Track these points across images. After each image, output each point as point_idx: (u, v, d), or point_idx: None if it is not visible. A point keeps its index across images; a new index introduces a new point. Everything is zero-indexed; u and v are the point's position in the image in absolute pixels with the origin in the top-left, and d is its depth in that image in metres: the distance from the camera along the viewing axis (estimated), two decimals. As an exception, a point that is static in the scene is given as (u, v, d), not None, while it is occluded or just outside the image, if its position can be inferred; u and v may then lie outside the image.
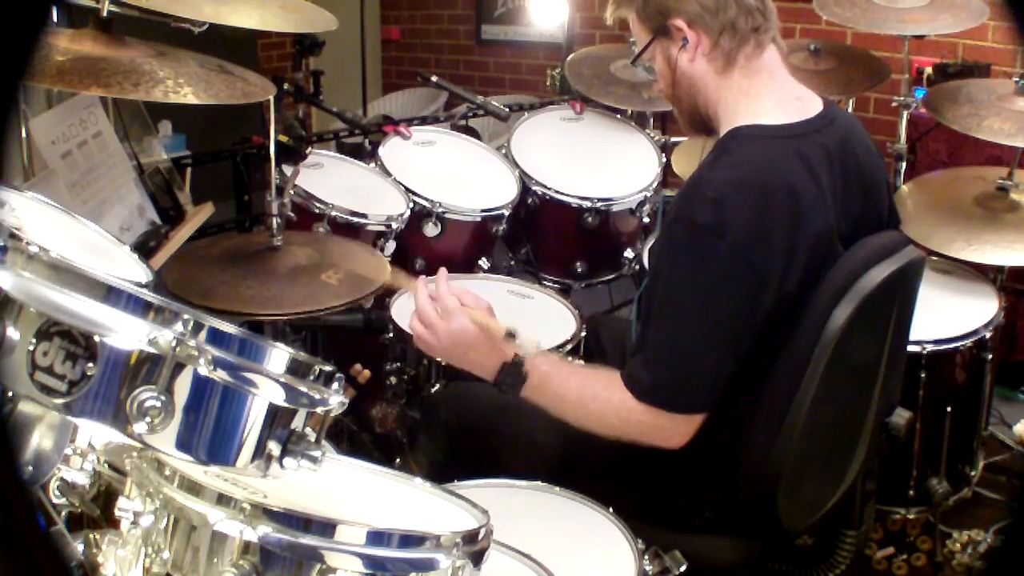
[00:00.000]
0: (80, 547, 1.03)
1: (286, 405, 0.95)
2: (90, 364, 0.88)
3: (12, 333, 0.89)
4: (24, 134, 1.82)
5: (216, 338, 0.94)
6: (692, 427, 1.47)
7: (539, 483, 1.57)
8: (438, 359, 2.05)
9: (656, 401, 1.45)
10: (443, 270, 1.61)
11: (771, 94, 1.54)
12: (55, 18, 1.80)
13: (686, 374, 1.44)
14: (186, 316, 0.93)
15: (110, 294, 0.92)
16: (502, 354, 1.54)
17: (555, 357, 1.61)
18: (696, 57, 1.54)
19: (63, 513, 1.06)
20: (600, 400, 1.50)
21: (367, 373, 2.30)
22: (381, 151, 2.68)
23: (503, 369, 1.54)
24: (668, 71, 1.59)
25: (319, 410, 0.98)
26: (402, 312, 2.20)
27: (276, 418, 0.94)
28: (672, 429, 1.47)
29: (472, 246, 2.66)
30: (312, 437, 0.97)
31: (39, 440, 1.10)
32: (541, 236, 2.82)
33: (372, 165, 2.67)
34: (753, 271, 1.40)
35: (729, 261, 1.40)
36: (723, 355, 1.45)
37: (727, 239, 1.39)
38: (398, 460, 2.21)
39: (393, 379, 2.20)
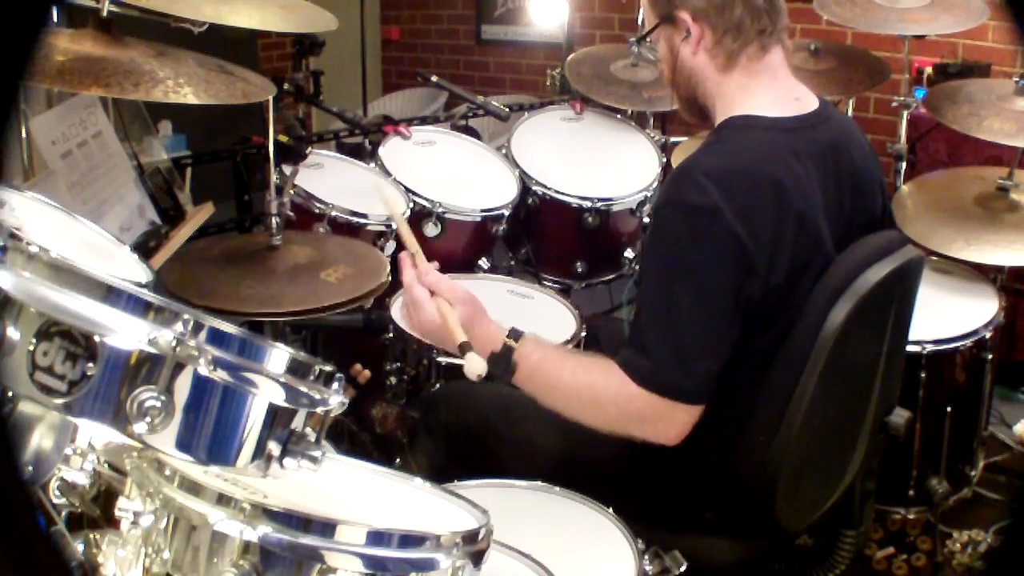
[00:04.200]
0: (80, 547, 1.03)
1: (286, 405, 0.95)
2: (90, 364, 0.88)
3: (12, 333, 0.89)
4: (24, 134, 1.82)
5: (216, 338, 0.94)
6: (691, 419, 1.45)
7: (539, 483, 1.57)
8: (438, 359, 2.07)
9: (658, 387, 1.42)
10: (430, 271, 1.57)
11: (769, 92, 1.54)
12: (55, 18, 1.80)
13: (685, 360, 1.43)
14: (186, 316, 0.93)
15: (110, 294, 0.92)
16: (490, 343, 1.52)
17: (547, 345, 1.58)
18: (698, 51, 1.54)
19: (63, 513, 1.06)
20: (596, 388, 1.47)
21: (367, 373, 2.30)
22: (381, 151, 2.68)
23: (491, 358, 1.51)
24: (670, 58, 1.60)
25: (319, 410, 0.98)
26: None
27: (276, 418, 0.94)
28: (670, 419, 1.45)
29: (472, 246, 2.66)
30: (312, 437, 0.97)
31: (39, 440, 1.10)
32: (541, 236, 2.82)
33: (372, 165, 2.67)
34: (741, 254, 1.40)
35: (720, 242, 1.40)
36: (718, 341, 1.44)
37: (718, 220, 1.39)
38: (398, 460, 2.21)
39: (393, 379, 2.20)
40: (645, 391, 1.43)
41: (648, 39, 1.63)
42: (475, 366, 1.45)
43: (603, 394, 1.47)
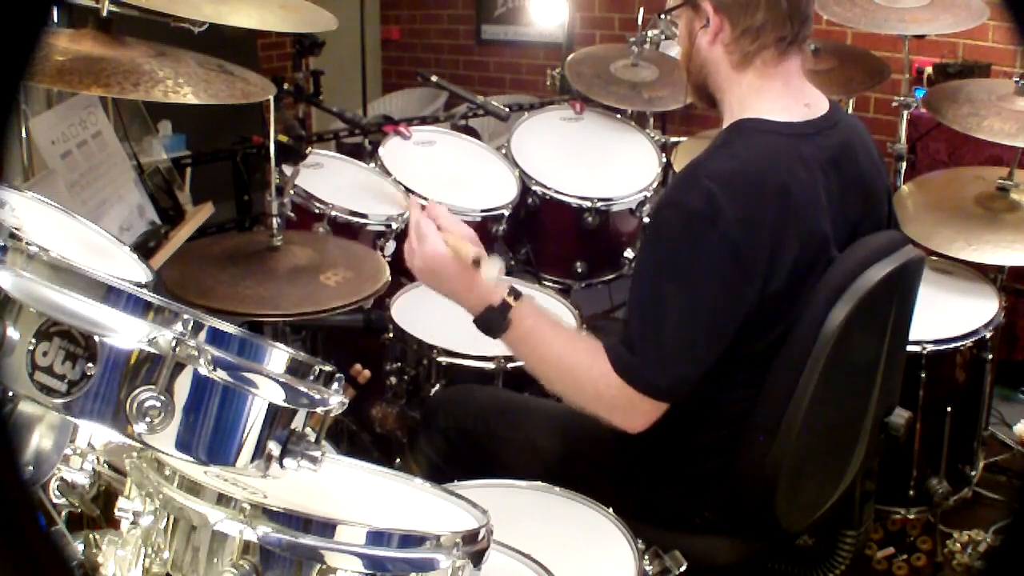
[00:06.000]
0: (80, 547, 1.03)
1: (286, 405, 0.95)
2: (90, 364, 0.88)
3: (12, 333, 0.89)
4: (24, 134, 1.82)
5: (216, 338, 0.95)
6: (658, 414, 1.47)
7: (539, 483, 1.57)
8: (438, 359, 2.07)
9: (636, 382, 1.44)
10: (437, 207, 1.56)
11: (781, 97, 1.53)
12: (55, 18, 1.80)
13: (666, 361, 1.44)
14: (186, 316, 0.93)
15: (110, 294, 0.92)
16: (487, 296, 1.51)
17: (543, 313, 1.57)
18: (715, 43, 1.53)
19: (63, 513, 1.06)
20: (580, 369, 1.49)
21: (367, 373, 2.30)
22: (381, 151, 2.68)
23: (487, 311, 1.52)
24: (687, 42, 1.60)
25: (319, 410, 0.98)
26: (402, 312, 2.20)
27: (276, 418, 0.94)
28: (640, 412, 1.46)
29: (472, 246, 2.65)
30: (312, 437, 0.97)
31: (39, 440, 1.10)
32: (541, 236, 2.82)
33: (372, 165, 2.67)
34: (739, 263, 1.40)
35: (717, 250, 1.40)
36: (701, 348, 1.44)
37: (718, 228, 1.39)
38: (398, 460, 2.21)
39: (393, 379, 2.20)
40: (623, 382, 1.44)
41: (669, 16, 1.63)
42: (492, 271, 1.45)
43: (585, 376, 1.49)
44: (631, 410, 1.47)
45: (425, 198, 2.52)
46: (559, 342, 1.53)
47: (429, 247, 1.50)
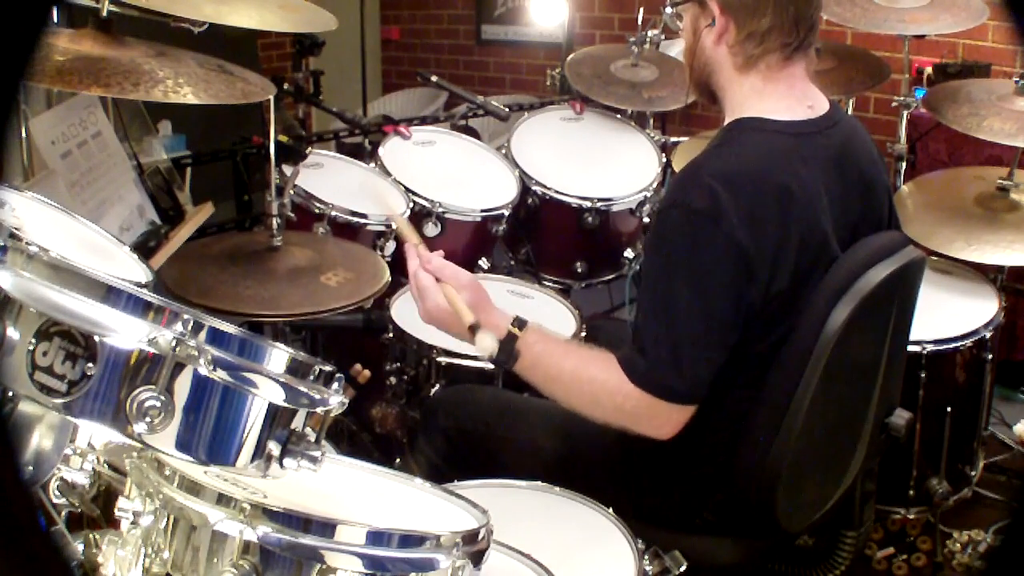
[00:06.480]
0: (80, 547, 1.03)
1: (286, 405, 0.95)
2: (90, 364, 0.88)
3: (12, 333, 0.89)
4: (24, 134, 1.82)
5: (216, 338, 0.95)
6: (684, 417, 1.46)
7: (539, 483, 1.57)
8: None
9: (653, 388, 1.44)
10: (434, 258, 1.57)
11: (782, 99, 1.52)
12: (55, 18, 1.80)
13: (681, 362, 1.43)
14: (186, 316, 0.93)
15: (110, 294, 0.92)
16: (493, 330, 1.52)
17: (551, 336, 1.58)
18: (720, 43, 1.52)
19: (63, 513, 1.06)
20: (596, 383, 1.49)
21: (367, 373, 2.30)
22: (381, 151, 2.68)
23: None
24: (691, 38, 1.59)
25: (319, 410, 0.98)
26: (402, 312, 2.20)
27: (276, 418, 0.94)
28: (665, 417, 1.46)
29: (472, 246, 2.66)
30: (312, 437, 0.97)
31: (39, 440, 1.10)
32: (541, 236, 2.82)
33: (372, 165, 2.67)
34: (743, 260, 1.40)
35: (721, 248, 1.40)
36: (714, 345, 1.44)
37: (721, 227, 1.39)
38: (398, 460, 2.21)
39: (393, 379, 2.20)
40: (640, 390, 1.44)
41: (675, 8, 1.62)
42: (486, 344, 1.48)
43: (601, 390, 1.48)
44: (654, 417, 1.46)
45: (425, 198, 2.53)
46: (571, 361, 1.53)
47: (431, 303, 1.54)
